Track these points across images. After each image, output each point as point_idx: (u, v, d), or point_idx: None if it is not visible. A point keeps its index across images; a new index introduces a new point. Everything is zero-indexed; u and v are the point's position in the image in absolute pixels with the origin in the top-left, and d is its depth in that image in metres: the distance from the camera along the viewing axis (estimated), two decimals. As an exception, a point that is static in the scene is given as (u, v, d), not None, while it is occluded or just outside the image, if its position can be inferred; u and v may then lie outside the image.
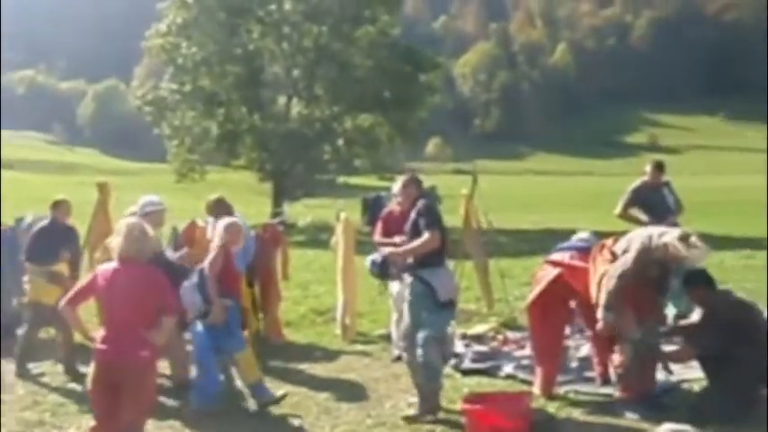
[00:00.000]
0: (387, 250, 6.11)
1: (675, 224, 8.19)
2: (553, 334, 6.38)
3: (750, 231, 21.41)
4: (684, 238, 5.45)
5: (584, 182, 67.31)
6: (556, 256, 6.38)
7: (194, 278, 6.33)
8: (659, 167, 8.57)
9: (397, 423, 5.82)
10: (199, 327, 6.34)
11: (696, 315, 5.97)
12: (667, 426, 5.17)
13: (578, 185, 59.92)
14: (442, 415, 5.84)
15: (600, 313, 5.69)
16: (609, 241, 6.06)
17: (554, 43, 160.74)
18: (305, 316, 9.79)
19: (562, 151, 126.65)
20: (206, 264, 6.32)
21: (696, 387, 6.23)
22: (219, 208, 7.74)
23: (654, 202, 8.31)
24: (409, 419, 5.82)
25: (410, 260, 5.83)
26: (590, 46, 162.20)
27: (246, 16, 29.38)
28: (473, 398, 5.71)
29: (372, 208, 22.17)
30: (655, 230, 5.76)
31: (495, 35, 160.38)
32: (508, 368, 7.02)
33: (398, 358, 7.01)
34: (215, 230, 6.67)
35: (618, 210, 8.46)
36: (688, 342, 5.75)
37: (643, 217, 8.31)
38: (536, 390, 6.26)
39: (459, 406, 5.72)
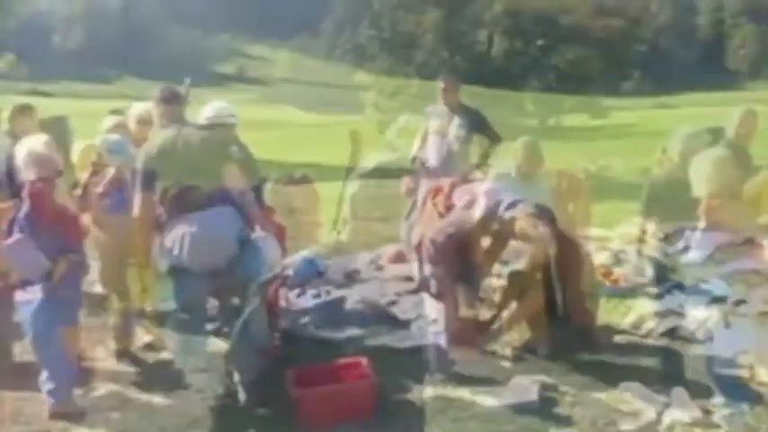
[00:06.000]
0: None
1: None
2: None
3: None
4: (536, 216, 4.59)
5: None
6: None
7: (25, 231, 4.36)
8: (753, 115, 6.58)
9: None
10: (37, 295, 4.43)
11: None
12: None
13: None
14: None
15: (428, 270, 4.93)
16: (446, 186, 5.10)
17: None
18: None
19: (150, 76, 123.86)
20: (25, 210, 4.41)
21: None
22: None
23: None
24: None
25: None
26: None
27: None
28: (299, 374, 4.42)
29: None
30: (506, 194, 4.76)
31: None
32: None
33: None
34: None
35: None
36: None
37: None
38: None
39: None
